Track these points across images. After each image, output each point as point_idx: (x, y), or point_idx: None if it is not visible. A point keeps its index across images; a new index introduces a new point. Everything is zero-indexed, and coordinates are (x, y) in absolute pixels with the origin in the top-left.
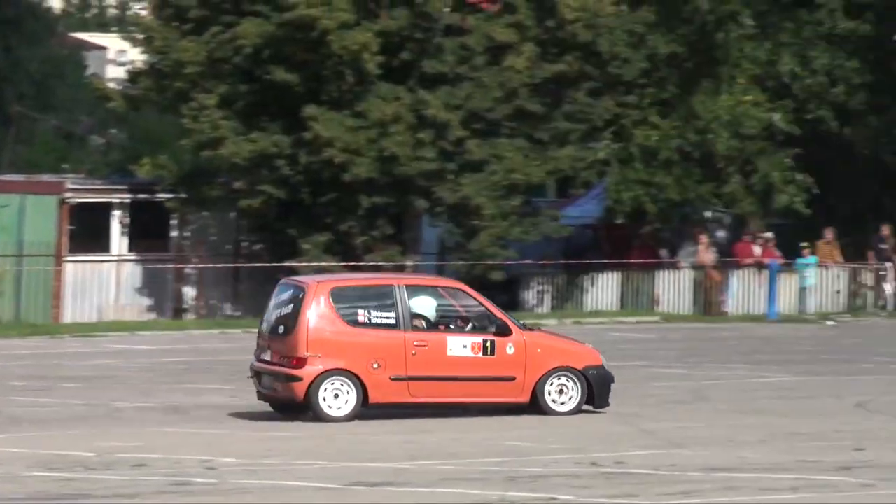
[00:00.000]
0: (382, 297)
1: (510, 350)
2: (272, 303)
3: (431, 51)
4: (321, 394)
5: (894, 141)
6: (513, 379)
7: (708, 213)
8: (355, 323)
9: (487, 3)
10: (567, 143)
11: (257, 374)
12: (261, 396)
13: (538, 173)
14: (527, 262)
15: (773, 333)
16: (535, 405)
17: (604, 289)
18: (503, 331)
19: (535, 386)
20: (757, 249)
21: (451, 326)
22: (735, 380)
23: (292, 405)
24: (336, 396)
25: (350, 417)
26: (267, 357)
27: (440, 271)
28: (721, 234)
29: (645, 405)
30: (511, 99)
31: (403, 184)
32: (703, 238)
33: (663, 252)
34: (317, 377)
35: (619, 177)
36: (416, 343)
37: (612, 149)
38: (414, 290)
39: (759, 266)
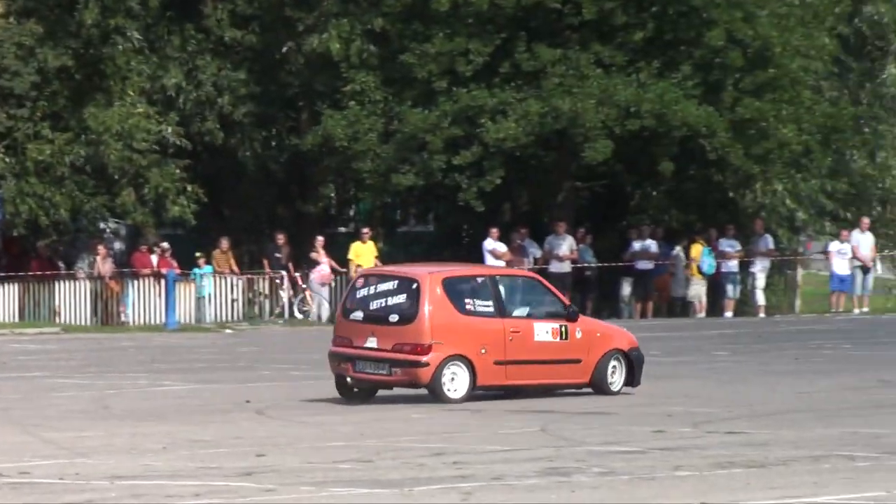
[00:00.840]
0: (481, 287)
1: (578, 334)
2: (362, 294)
3: None
4: (444, 377)
5: (282, 151)
6: (579, 361)
7: (105, 225)
8: (464, 311)
9: None
10: None
11: (350, 360)
12: (353, 381)
13: None
14: None
15: (173, 342)
16: (594, 385)
17: (3, 301)
18: (573, 317)
19: (595, 367)
20: (154, 259)
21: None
22: (136, 389)
23: (411, 387)
24: (452, 380)
25: (464, 399)
26: (371, 344)
27: None
28: (118, 245)
29: (46, 416)
30: None
31: None
32: (101, 249)
33: (61, 263)
34: (441, 362)
35: (15, 190)
36: (511, 329)
37: (6, 163)
38: (501, 279)
39: (157, 276)
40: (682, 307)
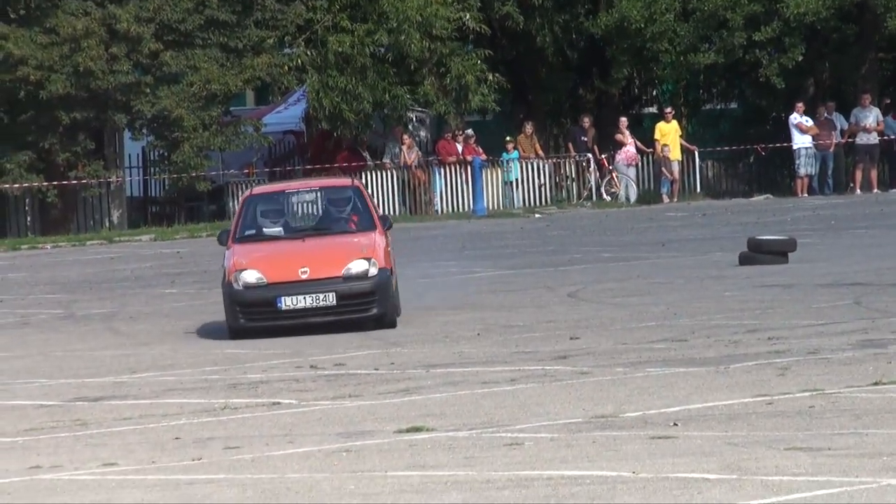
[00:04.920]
0: None
1: None
2: None
3: None
4: None
5: (580, 34)
6: None
7: (409, 114)
8: None
9: None
10: (262, 52)
11: None
12: None
13: (235, 82)
14: (232, 171)
15: (482, 229)
16: None
17: None
18: None
19: None
20: (459, 147)
21: None
22: (446, 276)
23: None
24: None
25: None
26: None
27: (146, 184)
28: (424, 133)
29: None
30: (201, 9)
31: (101, 98)
32: (406, 139)
33: (367, 155)
34: None
35: (318, 84)
36: None
37: (307, 55)
38: None
39: (463, 163)
40: None
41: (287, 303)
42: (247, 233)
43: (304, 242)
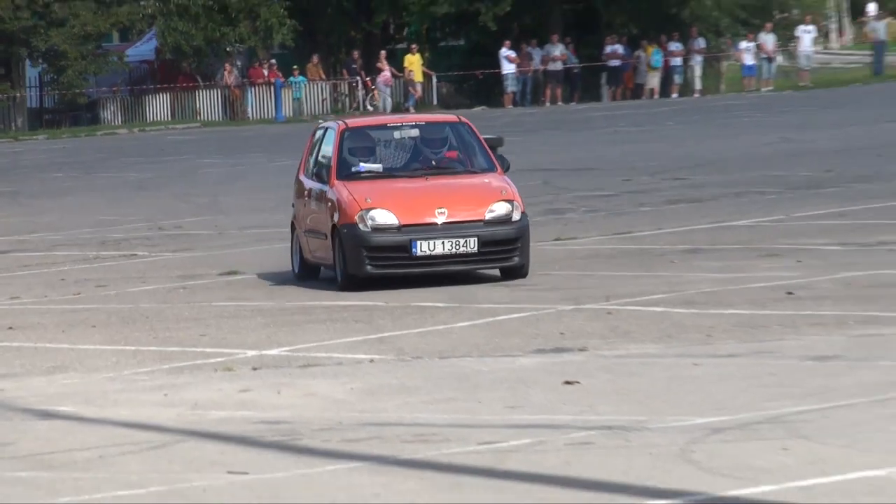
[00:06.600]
0: None
1: None
2: None
3: None
4: None
5: None
6: None
7: (230, 48)
8: None
9: None
10: (124, 3)
11: None
12: None
13: (105, 25)
14: (102, 89)
15: (281, 131)
16: None
17: (159, 106)
18: None
19: None
20: (265, 72)
21: None
22: (257, 164)
23: None
24: None
25: None
26: None
27: (42, 99)
28: (240, 62)
29: (195, 184)
30: None
31: (8, 36)
32: (227, 66)
33: (199, 78)
34: None
35: (164, 26)
36: None
37: (156, 6)
38: None
39: (268, 84)
40: (648, 91)
41: (423, 248)
42: (353, 169)
43: (427, 182)
